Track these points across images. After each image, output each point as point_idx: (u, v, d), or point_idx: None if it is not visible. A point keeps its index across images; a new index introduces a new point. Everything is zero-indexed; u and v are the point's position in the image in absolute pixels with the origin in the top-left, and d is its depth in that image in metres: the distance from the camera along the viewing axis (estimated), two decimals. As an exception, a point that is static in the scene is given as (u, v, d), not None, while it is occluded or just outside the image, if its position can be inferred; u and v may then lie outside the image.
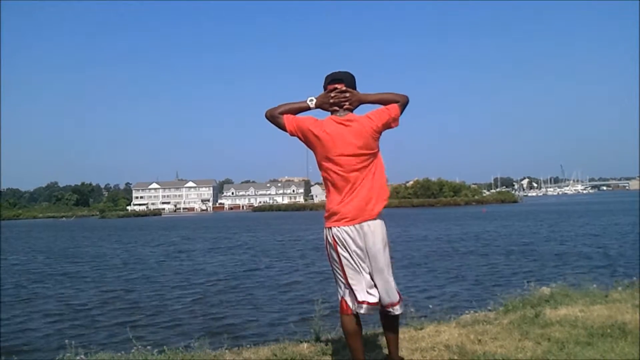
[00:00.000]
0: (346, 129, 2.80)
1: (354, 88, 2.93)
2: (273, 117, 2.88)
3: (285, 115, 2.87)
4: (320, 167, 2.88)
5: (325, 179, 2.89)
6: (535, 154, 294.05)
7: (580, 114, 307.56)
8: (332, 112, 2.90)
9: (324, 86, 2.94)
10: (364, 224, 2.79)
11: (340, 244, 2.79)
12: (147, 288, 12.80)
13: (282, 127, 2.86)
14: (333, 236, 2.81)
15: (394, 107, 2.88)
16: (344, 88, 2.87)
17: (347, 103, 2.87)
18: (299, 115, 2.92)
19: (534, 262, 14.30)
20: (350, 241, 2.78)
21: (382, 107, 2.90)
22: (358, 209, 2.78)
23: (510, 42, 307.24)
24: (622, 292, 5.22)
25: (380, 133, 2.86)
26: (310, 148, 2.88)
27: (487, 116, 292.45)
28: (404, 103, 2.92)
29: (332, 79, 2.90)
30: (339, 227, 2.79)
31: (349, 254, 2.78)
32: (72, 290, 12.98)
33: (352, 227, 2.78)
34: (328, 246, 2.86)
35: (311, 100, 2.91)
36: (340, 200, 2.80)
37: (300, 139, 2.87)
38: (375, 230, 2.81)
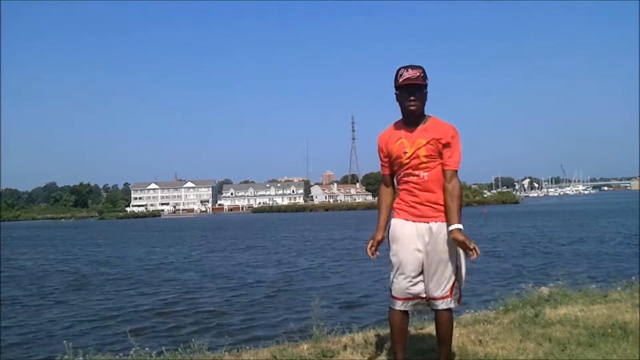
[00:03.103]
0: None
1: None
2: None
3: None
4: None
5: None
6: (536, 154, 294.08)
7: (580, 114, 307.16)
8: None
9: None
10: None
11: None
12: (154, 289, 12.78)
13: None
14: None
15: None
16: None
17: None
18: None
19: (563, 262, 13.86)
20: None
21: None
22: None
23: (510, 42, 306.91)
24: (622, 292, 5.24)
25: None
26: None
27: (488, 116, 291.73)
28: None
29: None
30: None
31: None
32: (91, 293, 12.78)
33: None
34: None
35: None
36: None
37: None
38: None
